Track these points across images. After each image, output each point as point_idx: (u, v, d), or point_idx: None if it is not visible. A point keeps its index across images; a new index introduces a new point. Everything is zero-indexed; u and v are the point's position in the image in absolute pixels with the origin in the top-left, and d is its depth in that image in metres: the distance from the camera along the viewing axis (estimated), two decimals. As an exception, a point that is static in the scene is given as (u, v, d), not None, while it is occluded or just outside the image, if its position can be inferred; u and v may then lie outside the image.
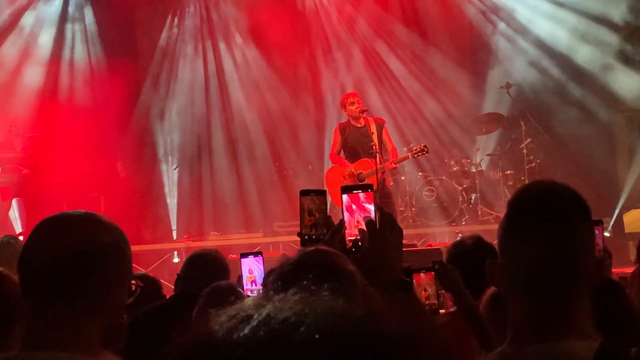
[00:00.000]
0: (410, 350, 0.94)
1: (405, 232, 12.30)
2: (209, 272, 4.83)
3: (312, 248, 2.45)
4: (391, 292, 2.30)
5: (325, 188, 8.61)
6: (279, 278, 2.25)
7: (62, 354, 2.06)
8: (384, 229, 2.46)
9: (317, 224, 2.88)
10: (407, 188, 13.86)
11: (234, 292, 3.88)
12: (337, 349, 0.88)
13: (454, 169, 14.11)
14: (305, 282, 1.05)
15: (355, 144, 11.07)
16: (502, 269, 2.06)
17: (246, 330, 0.90)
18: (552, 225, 2.00)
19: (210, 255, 5.19)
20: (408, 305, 2.34)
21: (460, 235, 13.06)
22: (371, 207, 2.56)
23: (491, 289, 3.52)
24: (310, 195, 2.90)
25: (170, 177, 15.60)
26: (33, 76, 15.11)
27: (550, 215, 2.02)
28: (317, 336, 0.89)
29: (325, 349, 0.88)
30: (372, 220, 2.48)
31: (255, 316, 0.92)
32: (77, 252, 2.12)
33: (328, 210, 2.94)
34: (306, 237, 2.89)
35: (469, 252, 4.48)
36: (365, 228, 2.52)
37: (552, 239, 1.99)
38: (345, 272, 2.35)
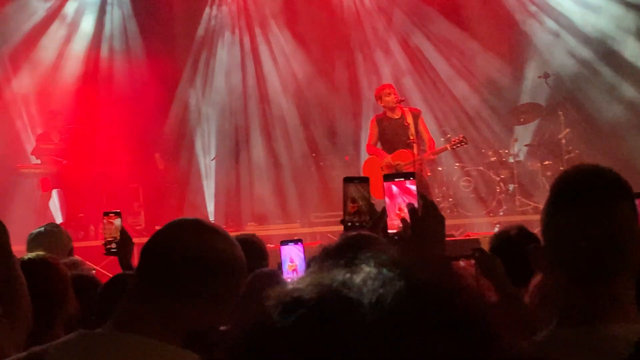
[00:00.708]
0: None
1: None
2: (246, 258, 4.70)
3: (355, 233, 2.47)
4: None
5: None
6: (324, 259, 2.26)
7: (155, 342, 2.12)
8: (426, 216, 2.46)
9: (360, 211, 2.89)
10: (444, 179, 13.82)
11: (278, 279, 3.84)
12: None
13: (492, 159, 14.03)
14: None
15: (392, 136, 11.05)
16: (545, 252, 2.06)
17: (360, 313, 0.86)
18: (593, 204, 2.00)
19: (248, 240, 4.92)
20: None
21: (497, 225, 13.01)
22: (413, 192, 2.56)
23: (537, 278, 3.49)
24: (354, 183, 2.92)
25: (208, 167, 15.66)
26: (72, 67, 15.24)
27: (590, 194, 2.01)
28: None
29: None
30: (415, 207, 2.48)
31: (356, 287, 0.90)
32: (204, 258, 2.22)
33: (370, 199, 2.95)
34: (349, 223, 2.90)
35: (512, 241, 4.45)
36: (407, 216, 2.52)
37: (594, 218, 1.98)
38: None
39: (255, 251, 4.84)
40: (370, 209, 2.95)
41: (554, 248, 2.03)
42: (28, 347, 2.41)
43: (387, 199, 2.59)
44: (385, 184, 2.59)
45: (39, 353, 2.15)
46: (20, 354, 2.16)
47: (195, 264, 2.20)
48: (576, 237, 1.98)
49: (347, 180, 2.99)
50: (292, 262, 3.84)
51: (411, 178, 2.58)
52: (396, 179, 2.59)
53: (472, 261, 3.59)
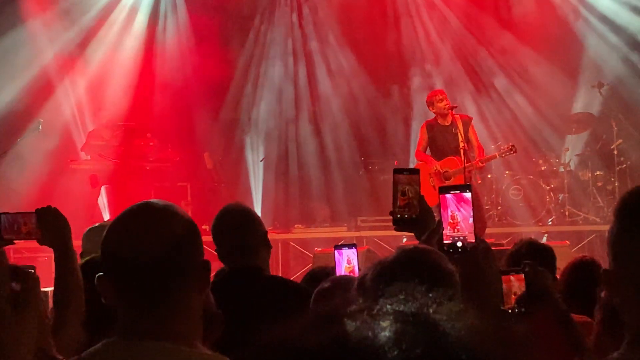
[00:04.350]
0: None
1: (491, 230, 12.08)
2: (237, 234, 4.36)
3: (411, 246, 2.45)
4: (491, 321, 2.28)
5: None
6: (379, 279, 2.26)
7: (167, 344, 2.11)
8: (476, 255, 2.44)
9: (410, 202, 2.87)
10: (494, 186, 13.72)
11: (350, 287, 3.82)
12: None
13: (542, 168, 13.92)
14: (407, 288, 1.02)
15: (442, 142, 11.03)
16: (617, 276, 2.02)
17: None
18: None
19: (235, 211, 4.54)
20: (507, 338, 2.32)
21: (546, 235, 12.90)
22: (469, 200, 2.54)
23: (605, 297, 3.44)
24: (404, 174, 2.89)
25: (256, 168, 15.70)
26: (124, 65, 15.36)
27: None
28: None
29: None
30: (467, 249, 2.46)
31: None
32: (168, 251, 2.16)
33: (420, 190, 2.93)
34: (398, 216, 2.87)
35: (523, 257, 4.47)
36: (461, 227, 2.50)
37: None
38: (444, 271, 2.34)
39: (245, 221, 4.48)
40: (421, 202, 2.92)
41: (626, 271, 1.99)
42: (83, 349, 2.42)
43: (442, 211, 2.57)
44: (440, 195, 2.57)
45: None
46: None
47: (168, 258, 2.15)
48: None
49: (397, 171, 2.97)
50: (350, 264, 3.91)
51: (467, 191, 2.56)
52: (452, 191, 2.57)
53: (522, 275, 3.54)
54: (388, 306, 0.94)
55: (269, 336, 0.94)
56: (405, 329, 0.90)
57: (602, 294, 3.50)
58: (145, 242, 2.15)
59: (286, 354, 0.90)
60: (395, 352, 0.87)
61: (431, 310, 0.94)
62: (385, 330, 0.90)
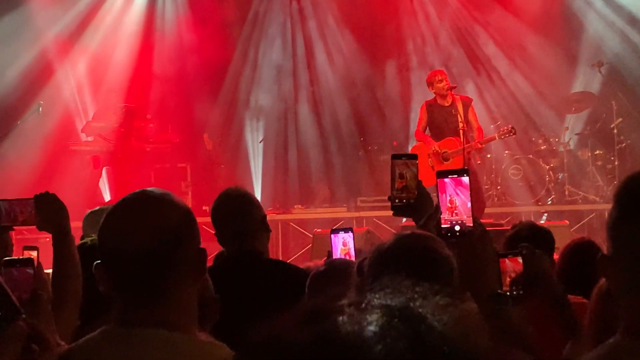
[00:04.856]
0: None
1: (490, 210, 12.07)
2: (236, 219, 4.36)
3: (409, 232, 2.47)
4: (488, 304, 2.30)
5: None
6: (376, 266, 2.28)
7: (162, 331, 2.13)
8: (472, 239, 2.45)
9: (408, 187, 2.91)
10: (493, 166, 13.72)
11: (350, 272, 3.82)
12: None
13: (542, 147, 13.89)
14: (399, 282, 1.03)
15: (441, 123, 11.02)
16: (614, 262, 2.02)
17: None
18: None
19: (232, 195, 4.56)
20: (504, 321, 2.34)
21: (545, 214, 12.92)
22: (466, 185, 2.56)
23: (601, 283, 3.45)
24: (402, 159, 2.94)
25: (256, 150, 15.70)
26: (124, 46, 15.32)
27: None
28: None
29: None
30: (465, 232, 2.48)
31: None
32: (164, 241, 2.16)
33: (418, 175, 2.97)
34: (396, 200, 2.92)
35: (524, 241, 4.45)
36: (460, 212, 2.52)
37: None
38: (441, 257, 2.36)
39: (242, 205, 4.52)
40: (418, 186, 2.96)
41: (623, 258, 1.99)
42: (81, 334, 2.44)
43: (440, 195, 2.58)
44: (438, 180, 2.58)
45: (64, 355, 2.18)
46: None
47: (164, 248, 2.16)
48: None
49: (395, 157, 3.00)
50: (345, 246, 3.96)
51: (465, 175, 2.57)
52: (450, 176, 2.58)
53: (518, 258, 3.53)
54: (376, 300, 0.95)
55: (262, 330, 0.95)
56: (394, 324, 0.92)
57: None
58: (141, 231, 2.16)
59: (279, 350, 0.92)
60: (382, 347, 0.89)
61: (419, 304, 0.95)
62: (373, 324, 0.91)
